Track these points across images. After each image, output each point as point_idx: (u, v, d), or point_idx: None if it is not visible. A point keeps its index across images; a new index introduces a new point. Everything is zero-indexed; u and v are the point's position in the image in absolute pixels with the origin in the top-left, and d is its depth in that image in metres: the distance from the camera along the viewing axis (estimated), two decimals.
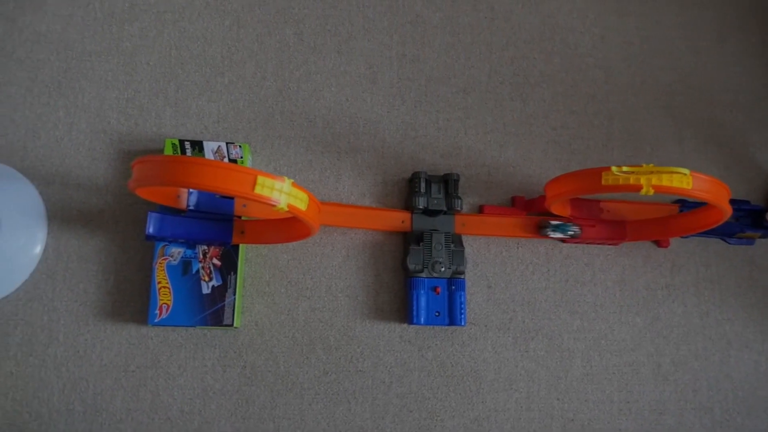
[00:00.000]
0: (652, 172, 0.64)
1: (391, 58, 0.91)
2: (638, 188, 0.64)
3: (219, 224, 0.78)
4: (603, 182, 0.66)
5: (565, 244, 0.88)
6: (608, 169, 0.66)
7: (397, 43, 0.92)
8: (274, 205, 0.60)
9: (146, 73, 0.87)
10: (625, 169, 0.64)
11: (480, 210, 0.87)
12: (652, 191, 0.64)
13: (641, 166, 0.65)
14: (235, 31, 0.89)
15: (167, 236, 0.76)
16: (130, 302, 0.80)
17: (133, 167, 0.65)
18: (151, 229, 0.75)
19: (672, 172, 0.64)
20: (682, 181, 0.64)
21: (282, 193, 0.60)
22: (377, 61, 0.91)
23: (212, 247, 0.78)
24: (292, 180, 0.62)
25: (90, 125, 0.84)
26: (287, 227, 0.77)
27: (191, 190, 0.77)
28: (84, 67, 0.86)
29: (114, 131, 0.84)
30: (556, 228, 0.83)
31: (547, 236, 0.84)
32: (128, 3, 0.88)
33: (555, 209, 0.81)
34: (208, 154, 0.80)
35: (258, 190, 0.59)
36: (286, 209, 0.61)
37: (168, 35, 0.88)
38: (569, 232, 0.83)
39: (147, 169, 0.63)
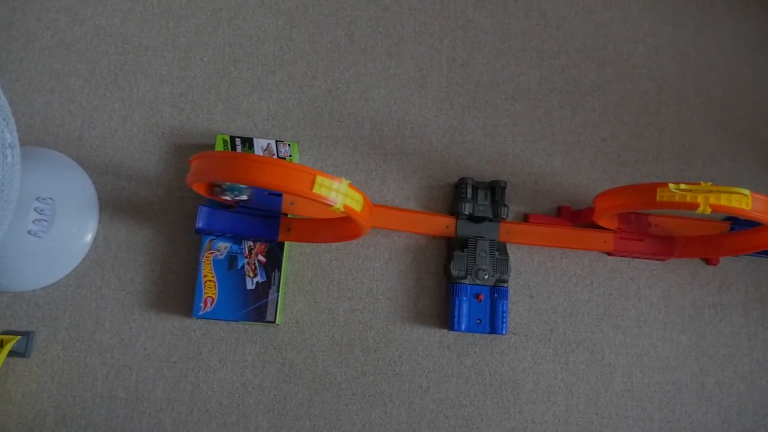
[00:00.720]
0: (710, 191, 0.62)
1: (440, 62, 0.91)
2: (695, 206, 0.63)
3: (266, 221, 0.79)
4: (658, 198, 0.65)
5: (610, 257, 0.86)
6: (664, 185, 0.65)
7: (447, 47, 0.92)
8: (330, 205, 0.60)
9: (200, 69, 0.88)
10: (683, 186, 0.63)
11: (525, 218, 0.86)
12: (709, 210, 0.63)
13: (699, 184, 0.63)
14: (287, 31, 0.90)
15: (216, 230, 0.77)
16: (175, 294, 0.81)
17: (191, 162, 0.66)
18: (200, 223, 0.76)
19: (731, 192, 0.62)
20: (741, 201, 0.62)
21: (339, 193, 0.61)
22: (427, 64, 0.91)
23: (258, 243, 0.79)
24: (348, 181, 0.62)
25: (143, 118, 0.86)
26: (336, 227, 0.78)
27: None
28: (140, 61, 0.87)
29: (166, 125, 0.86)
30: (227, 190, 0.73)
31: (219, 198, 0.75)
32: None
33: (603, 222, 0.80)
34: (258, 151, 0.81)
35: (316, 189, 0.59)
36: (342, 210, 0.61)
37: (222, 32, 0.89)
38: (237, 193, 0.74)
39: (207, 164, 0.64)
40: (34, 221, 0.77)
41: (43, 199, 0.78)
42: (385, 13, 0.92)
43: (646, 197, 0.67)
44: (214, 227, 0.77)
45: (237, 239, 0.78)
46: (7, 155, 0.66)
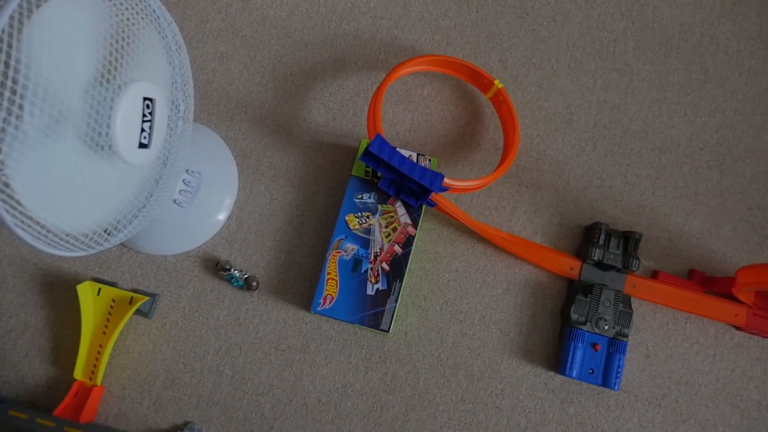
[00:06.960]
0: None
1: (590, 101, 0.89)
2: None
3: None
4: None
5: (738, 332, 0.82)
6: None
7: (600, 87, 0.90)
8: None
9: (352, 72, 0.90)
10: None
11: (653, 275, 0.83)
12: None
13: None
14: (443, 48, 0.91)
15: (384, 157, 0.73)
16: (295, 285, 0.83)
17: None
18: (373, 147, 0.73)
19: None
20: None
21: None
22: (576, 102, 0.89)
23: (387, 247, 0.79)
24: None
25: (293, 110, 0.88)
26: None
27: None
28: (298, 56, 0.90)
29: (313, 120, 0.88)
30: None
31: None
32: (350, 3, 0.92)
33: (742, 295, 0.76)
34: None
35: None
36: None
37: (380, 40, 0.91)
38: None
39: None
40: (180, 191, 0.81)
41: (192, 171, 0.82)
42: (542, 45, 0.91)
43: None
44: (384, 154, 0.73)
45: (398, 176, 0.76)
46: (178, 126, 0.69)
